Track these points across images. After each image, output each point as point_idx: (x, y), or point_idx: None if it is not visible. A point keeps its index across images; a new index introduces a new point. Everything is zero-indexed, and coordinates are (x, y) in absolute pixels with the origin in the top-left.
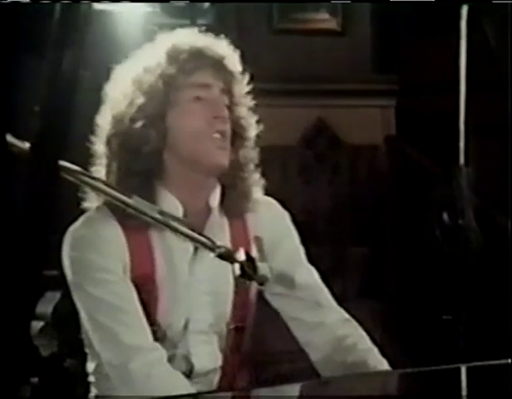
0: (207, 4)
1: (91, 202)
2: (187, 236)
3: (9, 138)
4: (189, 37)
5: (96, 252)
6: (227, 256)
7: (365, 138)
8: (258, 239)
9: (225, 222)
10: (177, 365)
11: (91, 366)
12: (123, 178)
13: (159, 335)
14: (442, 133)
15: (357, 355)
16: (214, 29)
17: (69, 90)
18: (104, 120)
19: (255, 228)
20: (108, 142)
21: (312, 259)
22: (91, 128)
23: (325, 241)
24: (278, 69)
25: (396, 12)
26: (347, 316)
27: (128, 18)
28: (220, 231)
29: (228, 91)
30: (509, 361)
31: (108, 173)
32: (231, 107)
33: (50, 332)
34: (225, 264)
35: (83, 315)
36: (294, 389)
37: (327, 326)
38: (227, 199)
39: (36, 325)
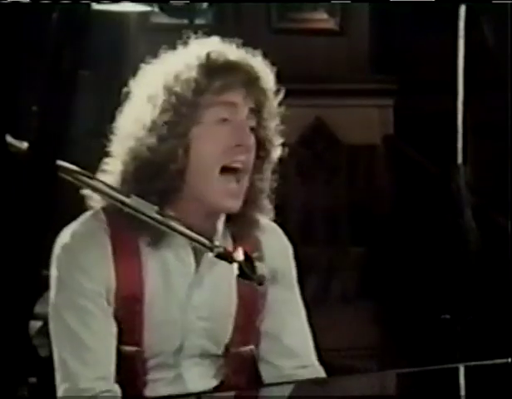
0: (206, 4)
1: (95, 202)
2: (185, 235)
3: (8, 138)
4: (225, 50)
5: (81, 272)
6: (225, 256)
7: (363, 138)
8: (257, 241)
9: (230, 244)
10: (169, 388)
11: None
12: (142, 194)
13: (145, 356)
14: (440, 132)
15: None
16: (214, 29)
17: (68, 90)
18: (125, 122)
19: (260, 253)
20: (129, 152)
21: (310, 260)
22: (90, 128)
23: (323, 241)
24: (276, 69)
25: (394, 12)
26: (317, 365)
27: (128, 18)
28: None
29: (257, 111)
30: (509, 360)
31: (123, 182)
32: (257, 129)
33: (48, 332)
34: (227, 289)
35: (53, 340)
36: (294, 389)
37: (297, 376)
38: (234, 222)
39: (35, 325)
